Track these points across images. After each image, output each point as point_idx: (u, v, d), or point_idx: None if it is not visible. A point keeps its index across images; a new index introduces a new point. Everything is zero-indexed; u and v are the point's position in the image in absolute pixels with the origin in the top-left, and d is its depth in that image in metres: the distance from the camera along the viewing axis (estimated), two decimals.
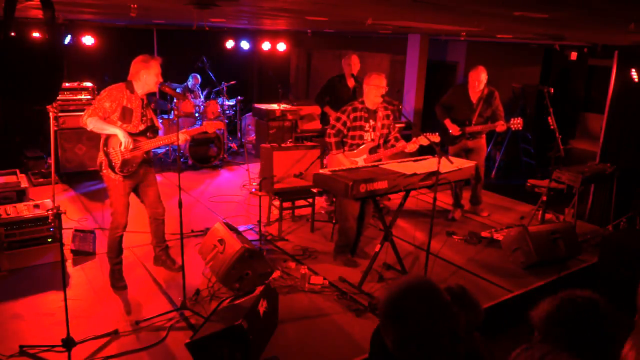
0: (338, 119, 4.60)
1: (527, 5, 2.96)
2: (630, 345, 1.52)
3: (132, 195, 4.15)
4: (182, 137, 3.92)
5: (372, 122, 4.60)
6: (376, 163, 4.50)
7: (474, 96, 5.71)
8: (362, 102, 4.59)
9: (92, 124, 3.81)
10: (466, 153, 5.77)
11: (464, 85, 5.83)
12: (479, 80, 5.61)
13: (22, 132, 7.68)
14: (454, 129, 5.70)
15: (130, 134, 3.88)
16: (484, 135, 5.85)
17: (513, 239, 4.85)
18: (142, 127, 3.99)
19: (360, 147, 4.62)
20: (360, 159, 4.61)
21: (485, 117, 5.72)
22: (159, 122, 4.24)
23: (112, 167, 3.90)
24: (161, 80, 3.98)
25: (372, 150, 4.65)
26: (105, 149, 3.89)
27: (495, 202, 6.13)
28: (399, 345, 1.50)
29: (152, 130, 4.06)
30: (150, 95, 4.13)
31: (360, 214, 4.64)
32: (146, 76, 3.89)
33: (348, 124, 4.55)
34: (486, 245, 5.26)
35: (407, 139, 4.75)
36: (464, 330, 1.56)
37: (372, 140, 4.64)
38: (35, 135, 7.63)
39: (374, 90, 4.47)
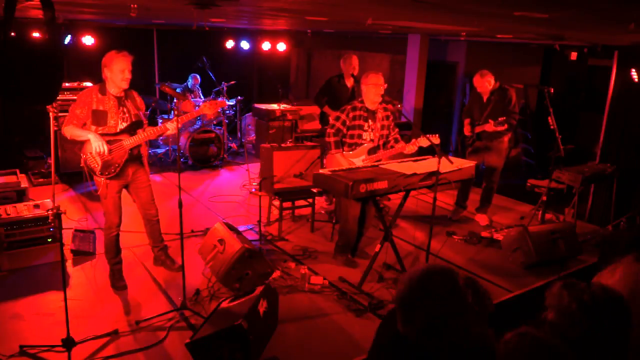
0: (337, 118, 4.60)
1: (527, 5, 2.96)
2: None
3: (128, 195, 4.14)
4: (172, 127, 3.84)
5: (371, 123, 4.59)
6: (376, 163, 4.49)
7: (484, 96, 5.64)
8: (362, 102, 4.59)
9: (69, 132, 3.79)
10: (483, 154, 5.69)
11: None
12: (480, 85, 5.56)
13: (22, 132, 7.68)
14: (465, 129, 5.72)
15: (109, 135, 3.82)
16: (504, 138, 5.63)
17: (513, 239, 4.85)
18: (123, 126, 3.89)
19: (359, 148, 4.61)
20: (358, 160, 4.60)
21: (497, 118, 5.43)
22: (146, 117, 4.11)
23: (93, 172, 3.86)
24: (129, 76, 3.83)
25: (372, 151, 4.64)
26: (82, 155, 3.85)
27: (495, 202, 6.12)
28: (422, 331, 1.54)
29: (136, 127, 3.93)
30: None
31: (361, 216, 4.64)
32: (110, 74, 3.80)
33: (347, 122, 4.55)
34: (486, 245, 5.26)
35: (407, 139, 4.74)
36: (476, 319, 1.59)
37: (372, 140, 4.64)
38: (35, 135, 7.64)
39: (373, 89, 4.47)
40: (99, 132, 3.81)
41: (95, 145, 3.74)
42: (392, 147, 4.70)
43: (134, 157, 3.99)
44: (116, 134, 3.87)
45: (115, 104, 3.87)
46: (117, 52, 3.84)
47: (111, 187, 3.93)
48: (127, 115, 3.93)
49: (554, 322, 1.74)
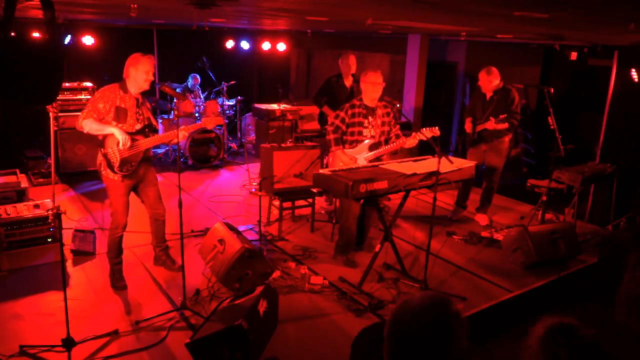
0: (337, 116, 4.65)
1: (527, 5, 2.96)
2: None
3: (132, 195, 4.15)
4: (181, 134, 3.90)
5: (370, 119, 4.64)
6: (376, 163, 4.51)
7: (487, 95, 5.62)
8: (361, 100, 4.63)
9: (88, 126, 3.80)
10: (484, 154, 5.68)
11: None
12: (485, 82, 5.53)
13: (22, 132, 7.68)
14: (467, 127, 5.71)
15: (127, 133, 3.87)
16: (504, 138, 5.60)
17: (513, 239, 4.85)
18: (138, 126, 3.97)
19: (361, 144, 4.65)
20: (360, 156, 4.64)
21: (498, 116, 5.39)
22: (156, 121, 4.21)
23: (111, 167, 3.88)
24: (152, 78, 3.93)
25: (373, 147, 4.68)
26: (102, 149, 3.88)
27: (495, 202, 6.13)
28: None
29: (149, 129, 4.04)
30: (150, 95, 4.12)
31: (362, 213, 4.65)
32: (135, 73, 3.87)
33: (346, 120, 4.59)
34: (486, 245, 5.26)
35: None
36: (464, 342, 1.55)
37: (372, 137, 4.67)
38: (35, 135, 7.64)
39: (371, 87, 4.53)
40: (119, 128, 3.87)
41: (121, 138, 3.80)
42: (393, 143, 4.72)
43: (147, 157, 4.07)
44: (133, 133, 3.93)
45: (134, 103, 3.95)
46: (143, 55, 3.92)
47: (125, 185, 3.98)
48: (141, 116, 4.00)
49: None
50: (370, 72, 4.58)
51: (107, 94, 3.86)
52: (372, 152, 4.64)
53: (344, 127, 4.62)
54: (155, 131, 4.12)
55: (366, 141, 4.64)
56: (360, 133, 4.64)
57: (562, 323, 1.45)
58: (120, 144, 3.82)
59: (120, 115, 3.88)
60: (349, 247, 4.72)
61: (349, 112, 4.59)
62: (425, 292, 1.57)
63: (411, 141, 4.53)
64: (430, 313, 1.43)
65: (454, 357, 1.43)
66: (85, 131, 3.84)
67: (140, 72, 3.87)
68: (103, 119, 3.85)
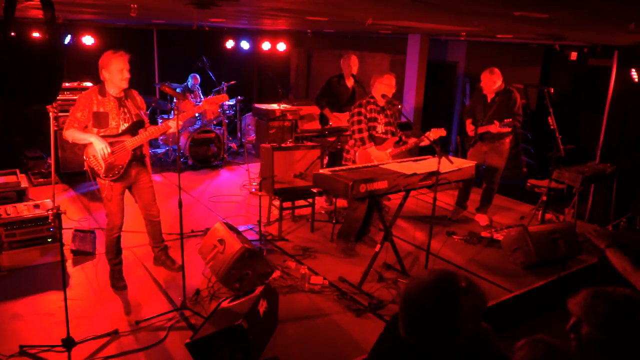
0: (360, 113, 4.78)
1: (527, 5, 2.96)
2: None
3: (129, 196, 4.14)
4: (174, 125, 3.82)
5: (382, 117, 4.84)
6: (376, 163, 4.54)
7: (489, 96, 5.60)
8: (373, 98, 4.82)
9: (71, 136, 3.76)
10: (485, 155, 5.67)
11: None
12: (487, 82, 5.51)
13: (22, 132, 7.68)
14: (468, 129, 5.71)
15: (112, 136, 3.80)
16: (505, 139, 5.59)
17: (513, 239, 4.85)
18: (124, 127, 3.87)
19: (386, 141, 4.83)
20: (386, 152, 4.82)
21: (502, 119, 5.35)
22: (145, 117, 4.07)
23: (97, 175, 3.85)
24: (128, 76, 3.81)
25: (397, 144, 4.88)
26: (85, 158, 3.84)
27: (495, 202, 6.13)
28: (419, 335, 1.56)
29: (137, 127, 3.91)
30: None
31: (370, 206, 4.75)
32: (109, 75, 3.77)
33: (367, 115, 4.78)
34: (486, 245, 5.26)
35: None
36: (472, 318, 1.58)
37: (385, 133, 4.85)
38: (35, 135, 7.63)
39: (386, 89, 4.73)
40: (101, 134, 3.79)
41: (99, 147, 3.72)
42: (405, 142, 4.90)
43: (137, 157, 3.98)
44: (118, 135, 3.85)
45: (116, 105, 3.85)
46: (114, 52, 3.80)
47: (115, 189, 3.93)
48: (127, 115, 3.91)
49: (591, 336, 1.53)
50: (387, 75, 4.80)
51: (83, 102, 3.78)
52: (395, 149, 4.84)
53: (366, 123, 4.80)
54: (145, 127, 3.99)
55: (390, 138, 4.83)
56: (374, 128, 4.81)
57: (599, 288, 1.59)
58: (98, 154, 3.74)
59: (100, 121, 3.79)
60: (350, 235, 4.79)
61: (368, 107, 4.78)
62: (434, 268, 1.66)
63: (424, 140, 4.68)
64: (437, 286, 1.53)
65: (462, 329, 1.52)
66: (70, 141, 3.81)
67: (113, 73, 3.75)
68: (86, 126, 3.79)
